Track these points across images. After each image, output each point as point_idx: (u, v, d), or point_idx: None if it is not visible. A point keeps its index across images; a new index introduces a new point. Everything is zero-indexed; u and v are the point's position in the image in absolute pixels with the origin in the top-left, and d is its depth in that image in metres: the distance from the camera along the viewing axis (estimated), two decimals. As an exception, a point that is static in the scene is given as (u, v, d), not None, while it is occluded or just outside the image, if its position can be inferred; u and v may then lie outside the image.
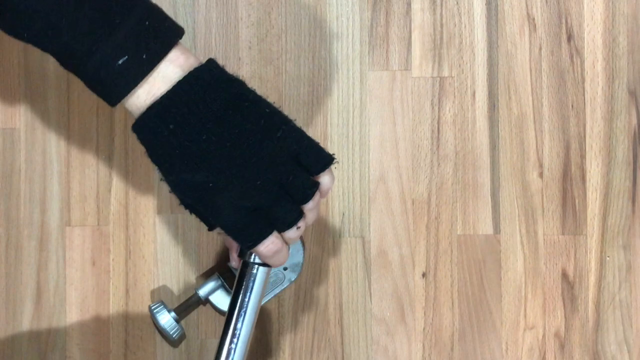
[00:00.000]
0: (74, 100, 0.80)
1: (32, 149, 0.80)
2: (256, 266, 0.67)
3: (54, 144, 0.80)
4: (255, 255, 0.66)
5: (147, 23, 0.58)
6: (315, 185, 0.63)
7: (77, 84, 0.79)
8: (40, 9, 0.56)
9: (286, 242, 0.63)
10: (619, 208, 0.80)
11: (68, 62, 0.59)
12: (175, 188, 0.61)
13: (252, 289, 0.68)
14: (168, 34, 0.59)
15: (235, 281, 0.69)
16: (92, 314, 0.80)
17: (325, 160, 0.63)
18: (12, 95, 0.80)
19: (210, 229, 0.66)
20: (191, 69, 0.59)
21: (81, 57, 0.58)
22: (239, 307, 0.67)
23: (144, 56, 0.58)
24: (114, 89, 0.59)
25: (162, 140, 0.59)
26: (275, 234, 0.62)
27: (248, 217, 0.61)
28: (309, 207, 0.63)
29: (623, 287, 0.80)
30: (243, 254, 0.67)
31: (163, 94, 0.59)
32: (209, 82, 0.60)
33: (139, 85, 0.58)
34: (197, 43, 0.80)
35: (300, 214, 0.62)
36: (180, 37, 0.60)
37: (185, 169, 0.59)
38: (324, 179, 0.63)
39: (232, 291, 0.68)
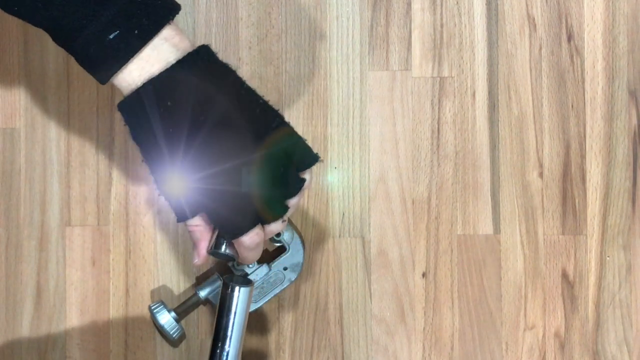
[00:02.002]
0: (74, 100, 0.80)
1: (32, 149, 0.80)
2: (237, 287, 0.67)
3: (54, 144, 0.80)
4: (226, 248, 0.64)
5: (136, 1, 0.58)
6: (303, 181, 0.63)
7: (77, 84, 0.79)
8: None
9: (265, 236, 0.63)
10: (619, 208, 0.80)
11: (59, 37, 0.58)
12: (165, 167, 0.60)
13: (236, 312, 0.67)
14: (161, 12, 0.59)
15: (217, 304, 0.68)
16: (92, 314, 0.80)
17: (312, 158, 0.63)
18: (12, 95, 0.80)
19: (179, 220, 0.64)
20: (187, 50, 0.59)
21: (71, 32, 0.57)
22: (224, 331, 0.67)
23: (136, 32, 0.57)
24: (104, 65, 0.58)
25: (157, 118, 0.58)
26: (259, 226, 0.62)
27: (238, 205, 0.60)
28: (292, 202, 0.63)
29: (623, 287, 0.80)
30: (218, 246, 0.64)
31: (160, 71, 0.58)
32: (207, 65, 0.59)
33: (131, 61, 0.58)
34: (197, 43, 0.80)
35: (286, 208, 0.62)
36: (175, 15, 0.59)
37: (177, 150, 0.59)
38: (306, 177, 0.63)
39: (216, 314, 0.68)
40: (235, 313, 0.67)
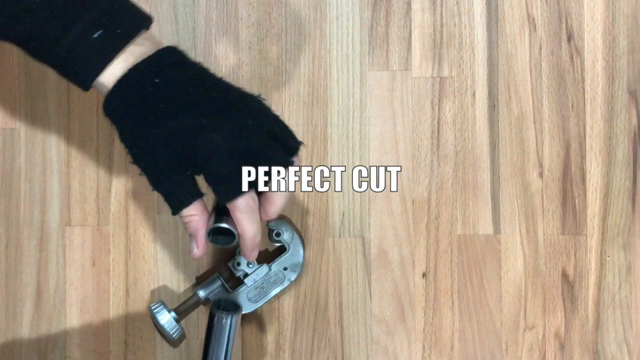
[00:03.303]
0: (74, 100, 0.80)
1: (32, 149, 0.80)
2: (224, 315, 0.67)
3: (54, 144, 0.80)
4: (226, 221, 0.64)
5: (116, 5, 0.61)
6: (299, 142, 0.64)
7: (77, 84, 0.79)
8: None
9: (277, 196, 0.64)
10: (619, 208, 0.80)
11: (42, 44, 0.60)
12: (159, 143, 0.61)
13: (223, 340, 0.68)
14: (138, 17, 0.62)
15: (205, 331, 0.69)
16: (92, 314, 0.80)
17: (296, 142, 0.64)
18: (12, 95, 0.80)
19: (175, 212, 0.64)
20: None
21: (55, 36, 0.59)
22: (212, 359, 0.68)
23: (119, 31, 0.60)
24: (89, 65, 0.60)
25: (147, 97, 0.60)
26: (253, 191, 0.63)
27: (236, 164, 0.61)
28: (294, 164, 0.64)
29: (623, 287, 0.80)
30: (218, 220, 0.64)
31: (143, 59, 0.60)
32: (184, 55, 0.62)
33: (116, 57, 0.60)
34: (197, 43, 0.80)
35: (291, 161, 0.63)
36: (149, 25, 0.62)
37: (172, 117, 0.60)
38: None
39: (204, 341, 0.69)
40: (222, 341, 0.68)
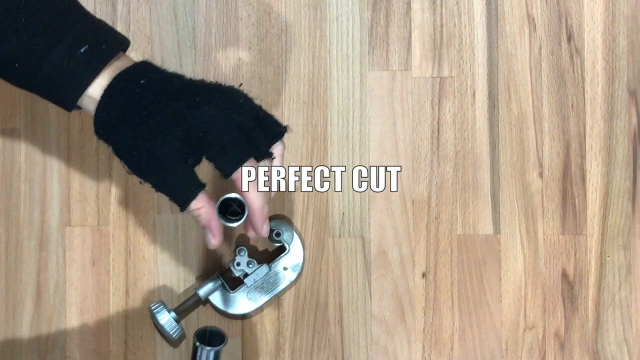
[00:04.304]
0: (74, 100, 0.80)
1: (32, 149, 0.80)
2: (208, 349, 0.69)
3: (54, 144, 0.80)
4: (233, 193, 0.64)
5: (98, 24, 0.63)
6: (285, 127, 0.65)
7: (77, 84, 0.79)
8: None
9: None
10: (619, 208, 0.80)
11: (26, 64, 0.61)
12: (156, 135, 0.61)
13: None
14: (119, 36, 0.64)
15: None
16: (92, 314, 0.80)
17: (282, 126, 0.65)
18: (12, 95, 0.80)
19: (183, 208, 0.64)
20: None
21: (42, 53, 0.60)
22: None
23: (104, 46, 0.62)
24: (77, 79, 0.61)
25: (135, 96, 0.61)
26: (252, 160, 0.63)
27: (235, 133, 0.62)
28: (278, 152, 0.65)
29: (623, 287, 0.80)
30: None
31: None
32: (160, 67, 0.65)
33: (103, 70, 0.61)
34: (197, 43, 0.80)
35: (270, 152, 0.64)
36: (128, 46, 0.64)
37: (165, 105, 0.61)
38: (279, 147, 0.66)
39: None
40: None
